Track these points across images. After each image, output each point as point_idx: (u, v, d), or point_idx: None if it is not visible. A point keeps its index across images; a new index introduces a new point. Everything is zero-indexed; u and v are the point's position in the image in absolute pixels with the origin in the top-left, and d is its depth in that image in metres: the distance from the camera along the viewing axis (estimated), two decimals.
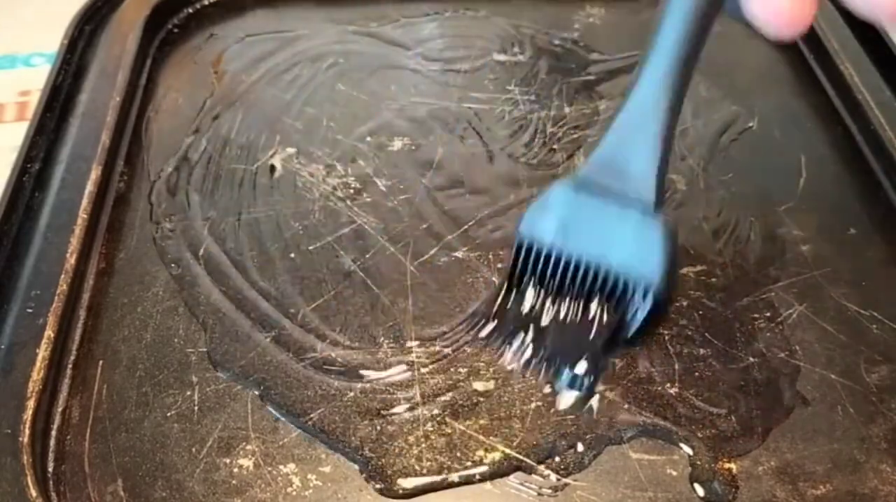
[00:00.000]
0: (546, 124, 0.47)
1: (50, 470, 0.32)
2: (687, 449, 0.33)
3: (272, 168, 0.45)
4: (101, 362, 0.36)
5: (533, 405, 0.35)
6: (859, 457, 0.33)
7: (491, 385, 0.35)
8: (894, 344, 0.37)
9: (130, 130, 0.46)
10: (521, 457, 0.33)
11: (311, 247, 0.41)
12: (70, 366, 0.36)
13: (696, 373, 0.36)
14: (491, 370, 0.36)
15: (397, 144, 0.46)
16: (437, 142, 0.46)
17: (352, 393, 0.35)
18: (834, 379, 0.36)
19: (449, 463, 0.33)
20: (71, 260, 0.38)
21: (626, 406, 0.35)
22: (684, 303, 0.38)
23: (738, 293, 0.39)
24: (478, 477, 0.32)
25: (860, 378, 0.36)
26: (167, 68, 0.51)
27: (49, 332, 0.35)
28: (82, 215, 0.40)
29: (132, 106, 0.48)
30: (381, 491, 0.32)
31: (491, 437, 0.34)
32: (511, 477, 0.33)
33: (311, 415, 0.34)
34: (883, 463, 0.33)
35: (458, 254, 0.40)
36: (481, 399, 0.35)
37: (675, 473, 0.33)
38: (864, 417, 0.34)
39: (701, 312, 0.38)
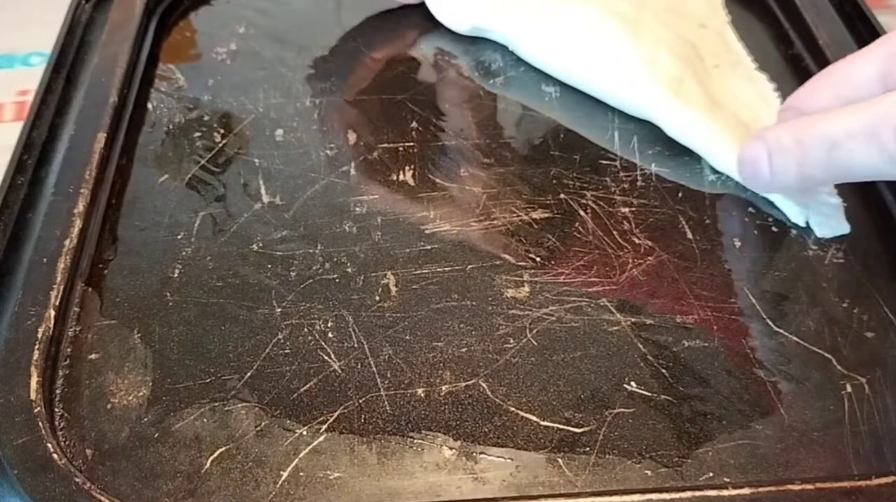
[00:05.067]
0: (547, 128, 0.48)
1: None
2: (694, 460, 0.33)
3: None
4: (100, 363, 0.36)
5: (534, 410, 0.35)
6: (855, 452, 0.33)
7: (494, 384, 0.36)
8: (890, 345, 0.37)
9: (127, 128, 0.47)
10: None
11: (312, 251, 0.41)
12: (64, 369, 0.36)
13: (697, 373, 0.36)
14: (490, 369, 0.36)
15: (391, 142, 0.46)
16: (435, 142, 0.46)
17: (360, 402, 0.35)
18: (834, 378, 0.36)
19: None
20: (66, 259, 0.38)
21: (630, 408, 0.35)
22: (685, 302, 0.38)
23: (740, 292, 0.39)
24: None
25: (858, 378, 0.36)
26: (168, 47, 0.52)
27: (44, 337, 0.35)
28: (80, 215, 0.40)
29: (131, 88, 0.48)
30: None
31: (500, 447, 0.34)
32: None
33: (320, 427, 0.34)
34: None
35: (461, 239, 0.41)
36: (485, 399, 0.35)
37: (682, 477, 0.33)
38: (863, 417, 0.34)
39: (702, 311, 0.38)
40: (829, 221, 0.41)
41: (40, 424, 0.32)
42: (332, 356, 0.36)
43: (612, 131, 0.47)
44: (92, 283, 0.39)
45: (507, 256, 0.40)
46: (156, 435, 0.34)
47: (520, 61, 0.51)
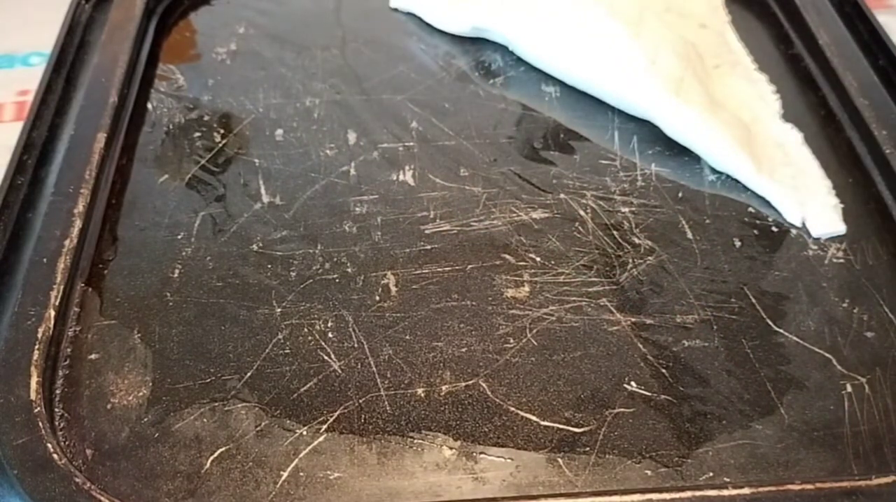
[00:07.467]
0: (547, 128, 0.48)
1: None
2: (694, 460, 0.33)
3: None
4: (100, 363, 0.36)
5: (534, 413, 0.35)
6: (856, 452, 0.33)
7: (493, 384, 0.35)
8: (890, 346, 0.37)
9: (127, 126, 0.47)
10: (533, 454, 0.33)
11: (312, 251, 0.41)
12: (64, 369, 0.36)
13: (697, 373, 0.36)
14: (490, 369, 0.36)
15: (391, 142, 0.46)
16: (435, 142, 0.46)
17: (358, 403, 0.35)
18: (834, 378, 0.36)
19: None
20: (66, 259, 0.38)
21: (630, 408, 0.35)
22: (686, 302, 0.38)
23: (740, 292, 0.39)
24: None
25: (858, 378, 0.36)
26: (168, 47, 0.52)
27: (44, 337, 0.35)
28: (80, 213, 0.40)
29: (130, 89, 0.48)
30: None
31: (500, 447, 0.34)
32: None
33: (320, 427, 0.34)
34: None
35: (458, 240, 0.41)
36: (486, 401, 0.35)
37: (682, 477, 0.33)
38: (863, 417, 0.34)
39: (702, 311, 0.38)
40: (826, 221, 0.41)
41: (40, 424, 0.32)
42: (332, 356, 0.36)
43: (612, 131, 0.47)
44: (92, 283, 0.39)
45: (507, 256, 0.40)
46: (156, 435, 0.34)
47: (520, 61, 0.51)
